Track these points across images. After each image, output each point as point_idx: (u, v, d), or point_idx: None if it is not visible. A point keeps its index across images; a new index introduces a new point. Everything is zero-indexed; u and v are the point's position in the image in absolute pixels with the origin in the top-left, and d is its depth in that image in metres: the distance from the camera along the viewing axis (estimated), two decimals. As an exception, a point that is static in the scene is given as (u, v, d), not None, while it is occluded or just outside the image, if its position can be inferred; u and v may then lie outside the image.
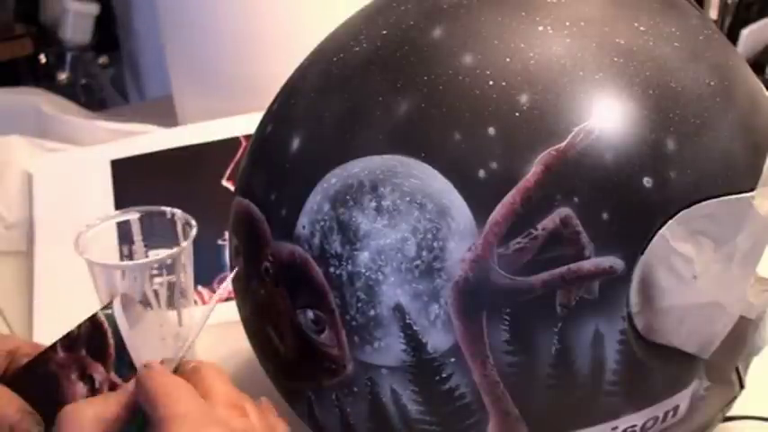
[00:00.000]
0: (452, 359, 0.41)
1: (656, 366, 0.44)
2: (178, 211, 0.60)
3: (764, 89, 0.48)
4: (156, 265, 0.57)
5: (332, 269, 0.42)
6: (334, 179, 0.42)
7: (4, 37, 1.24)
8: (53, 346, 0.46)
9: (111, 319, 0.45)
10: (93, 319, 0.46)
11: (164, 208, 0.60)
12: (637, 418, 0.45)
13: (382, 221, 0.41)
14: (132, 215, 0.61)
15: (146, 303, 0.57)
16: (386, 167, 0.41)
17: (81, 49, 1.27)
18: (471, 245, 0.40)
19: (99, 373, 0.45)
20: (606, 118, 0.41)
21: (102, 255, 0.57)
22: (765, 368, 0.58)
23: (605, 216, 0.40)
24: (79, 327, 0.46)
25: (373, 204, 0.41)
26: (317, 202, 0.43)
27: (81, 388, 0.45)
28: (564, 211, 0.40)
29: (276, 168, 0.45)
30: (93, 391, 0.45)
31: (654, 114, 0.42)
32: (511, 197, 0.40)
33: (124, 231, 0.61)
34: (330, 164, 0.43)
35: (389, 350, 0.42)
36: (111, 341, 0.45)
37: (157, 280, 0.57)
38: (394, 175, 0.41)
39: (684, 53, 0.44)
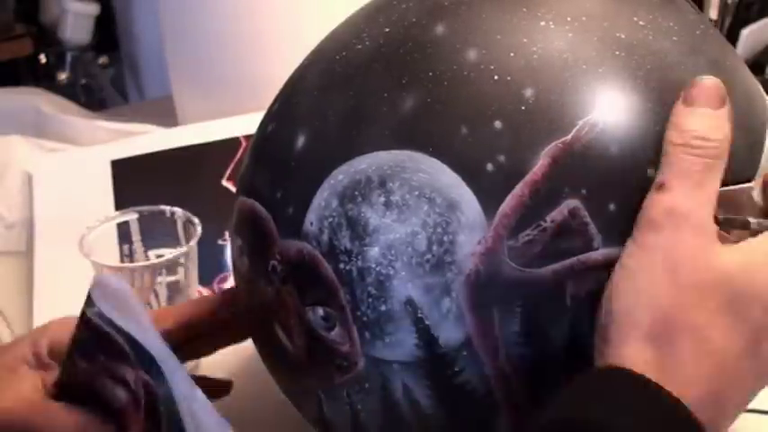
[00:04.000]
0: (464, 353, 0.41)
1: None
2: (178, 210, 0.60)
3: (761, 88, 0.49)
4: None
5: (341, 265, 0.42)
6: (341, 175, 0.42)
7: (4, 37, 1.27)
8: (71, 357, 0.45)
9: (103, 318, 0.44)
10: (87, 322, 0.45)
11: (163, 207, 0.60)
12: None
13: (391, 216, 0.41)
14: (131, 215, 0.61)
15: (146, 303, 0.57)
16: (394, 163, 0.42)
17: (81, 49, 1.28)
18: (481, 238, 0.40)
19: (129, 373, 0.44)
20: (610, 111, 0.41)
21: (102, 256, 0.57)
22: None
23: (612, 207, 0.41)
24: (80, 331, 0.45)
25: (382, 199, 0.41)
26: (324, 198, 0.43)
27: (120, 391, 0.44)
28: (572, 202, 0.40)
29: (281, 166, 0.45)
30: (132, 392, 0.44)
31: (657, 107, 0.42)
32: (519, 190, 0.40)
33: (123, 232, 0.61)
34: (337, 160, 0.43)
35: (401, 345, 0.42)
36: (119, 339, 0.44)
37: (158, 279, 0.57)
38: (402, 170, 0.41)
39: (683, 47, 0.45)
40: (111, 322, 0.44)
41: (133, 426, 0.44)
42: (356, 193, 0.42)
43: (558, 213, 0.40)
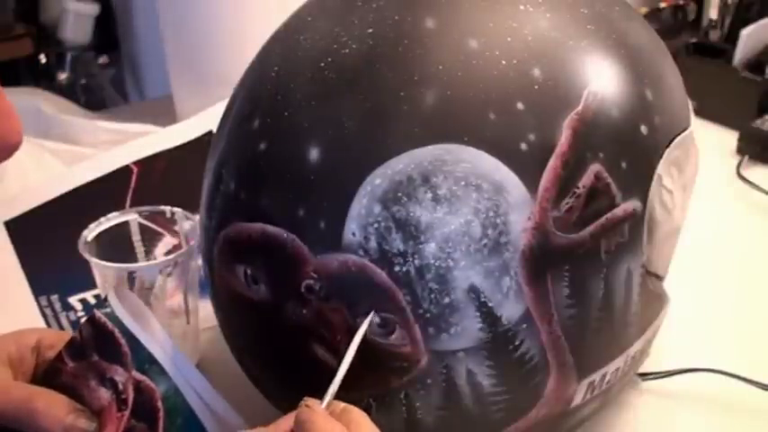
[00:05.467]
0: (524, 325, 0.43)
1: (650, 293, 0.50)
2: (178, 210, 0.59)
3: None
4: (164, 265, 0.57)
5: (397, 268, 0.42)
6: (378, 179, 0.42)
7: (4, 37, 1.24)
8: (59, 357, 0.45)
9: (112, 317, 0.44)
10: (94, 321, 0.45)
11: (163, 207, 0.60)
12: (639, 344, 0.51)
13: (443, 210, 0.42)
14: (131, 215, 0.60)
15: (151, 303, 0.57)
16: (433, 157, 0.42)
17: (81, 49, 1.27)
18: (530, 213, 0.42)
19: (119, 374, 0.45)
20: (603, 79, 0.45)
21: (103, 256, 0.56)
22: (722, 323, 0.67)
23: (624, 165, 0.45)
24: (80, 331, 0.45)
25: (429, 195, 0.42)
26: (364, 205, 0.42)
27: (104, 393, 0.45)
28: (595, 167, 0.44)
29: (296, 183, 0.44)
30: (118, 394, 0.44)
31: (631, 70, 0.47)
32: (553, 163, 0.43)
33: (124, 232, 0.60)
34: (368, 166, 0.42)
35: (466, 332, 0.43)
36: (122, 339, 0.44)
37: (158, 279, 0.56)
38: (443, 164, 0.42)
39: (623, 14, 0.50)
40: (119, 321, 0.44)
41: (108, 425, 0.44)
42: (399, 194, 0.42)
43: (586, 179, 0.44)
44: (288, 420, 0.41)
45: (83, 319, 0.46)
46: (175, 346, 0.46)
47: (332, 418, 0.40)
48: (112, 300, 0.44)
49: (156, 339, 0.45)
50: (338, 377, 0.42)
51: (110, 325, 0.44)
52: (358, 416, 0.41)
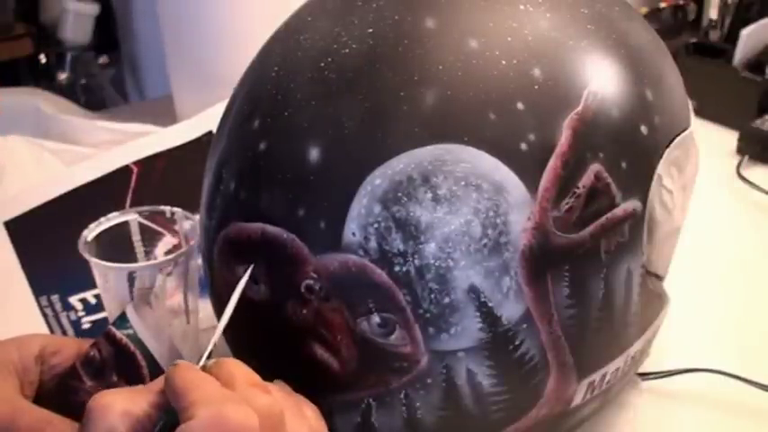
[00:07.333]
0: (524, 325, 0.43)
1: (650, 293, 0.50)
2: (178, 210, 0.59)
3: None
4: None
5: (397, 268, 0.42)
6: (378, 180, 0.42)
7: (4, 37, 1.26)
8: (75, 374, 0.44)
9: (134, 338, 0.44)
10: (112, 340, 0.44)
11: (163, 207, 0.59)
12: (639, 344, 0.51)
13: (443, 210, 0.42)
14: (131, 216, 0.59)
15: (151, 303, 0.56)
16: (432, 157, 0.42)
17: (81, 49, 1.28)
18: (530, 213, 0.42)
19: None
20: (603, 79, 0.45)
21: (103, 256, 0.56)
22: (722, 323, 0.67)
23: (624, 165, 0.45)
24: (98, 348, 0.44)
25: (429, 195, 0.42)
26: (364, 205, 0.42)
27: None
28: (595, 167, 0.44)
29: (296, 183, 0.44)
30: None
31: (631, 70, 0.47)
32: (553, 163, 0.43)
33: (124, 232, 0.60)
34: (368, 166, 0.42)
35: (466, 332, 0.43)
36: (143, 362, 0.44)
37: (158, 279, 0.56)
38: (443, 164, 0.42)
39: (624, 14, 0.50)
40: (140, 342, 0.44)
41: None
42: (399, 194, 0.42)
43: (586, 179, 0.44)
44: (162, 379, 0.40)
45: (99, 335, 0.44)
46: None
47: (199, 370, 0.40)
48: (132, 318, 0.43)
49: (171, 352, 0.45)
50: (217, 333, 0.42)
51: (131, 346, 0.43)
52: (231, 365, 0.40)
